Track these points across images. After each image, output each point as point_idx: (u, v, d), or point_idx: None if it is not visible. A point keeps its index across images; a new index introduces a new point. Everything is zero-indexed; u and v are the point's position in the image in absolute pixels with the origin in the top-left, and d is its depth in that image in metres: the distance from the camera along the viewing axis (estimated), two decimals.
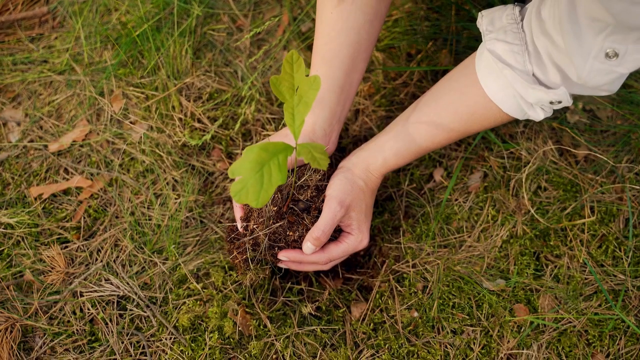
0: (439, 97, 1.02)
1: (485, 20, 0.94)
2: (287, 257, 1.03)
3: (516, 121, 1.23)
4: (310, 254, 1.01)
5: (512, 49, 0.88)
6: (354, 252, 1.06)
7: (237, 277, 1.12)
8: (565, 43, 0.79)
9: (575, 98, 1.24)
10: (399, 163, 1.07)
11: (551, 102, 0.89)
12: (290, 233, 1.02)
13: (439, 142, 1.04)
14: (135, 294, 1.12)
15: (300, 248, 1.03)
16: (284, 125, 1.30)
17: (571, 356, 1.05)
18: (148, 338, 1.09)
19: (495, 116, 0.97)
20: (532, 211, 1.16)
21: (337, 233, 1.06)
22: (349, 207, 1.01)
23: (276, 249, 1.04)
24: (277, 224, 1.01)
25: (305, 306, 1.11)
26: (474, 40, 1.32)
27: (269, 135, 1.30)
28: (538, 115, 0.93)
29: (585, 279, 1.11)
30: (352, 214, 1.02)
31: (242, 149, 1.31)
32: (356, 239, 1.04)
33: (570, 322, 1.07)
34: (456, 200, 1.21)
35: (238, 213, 1.07)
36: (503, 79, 0.90)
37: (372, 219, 1.13)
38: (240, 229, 1.06)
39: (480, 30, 0.96)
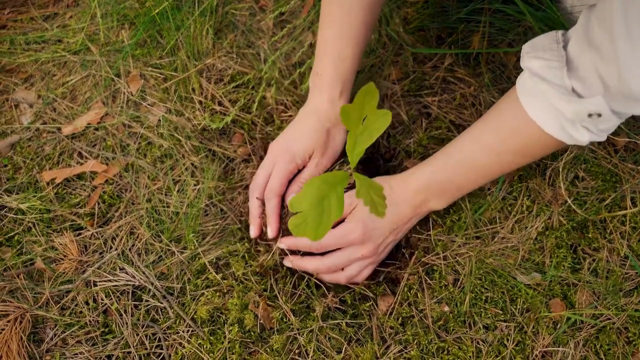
0: (483, 119, 1.00)
1: (527, 44, 0.90)
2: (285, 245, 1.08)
3: None
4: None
5: (549, 65, 0.84)
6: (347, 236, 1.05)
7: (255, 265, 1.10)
8: (616, 51, 0.72)
9: None
10: (438, 181, 1.04)
11: (589, 115, 0.82)
12: None
13: (479, 163, 1.00)
14: (152, 284, 1.09)
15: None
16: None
17: (610, 354, 1.02)
18: (164, 330, 1.05)
19: (538, 137, 0.91)
20: (570, 202, 1.12)
21: None
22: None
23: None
24: None
25: (325, 297, 1.08)
26: (509, 23, 1.27)
27: (290, 119, 1.26)
28: (583, 136, 0.86)
29: (626, 273, 1.07)
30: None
31: (264, 134, 1.27)
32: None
33: (609, 318, 1.03)
34: (489, 189, 1.16)
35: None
36: (540, 95, 0.86)
37: None
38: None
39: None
